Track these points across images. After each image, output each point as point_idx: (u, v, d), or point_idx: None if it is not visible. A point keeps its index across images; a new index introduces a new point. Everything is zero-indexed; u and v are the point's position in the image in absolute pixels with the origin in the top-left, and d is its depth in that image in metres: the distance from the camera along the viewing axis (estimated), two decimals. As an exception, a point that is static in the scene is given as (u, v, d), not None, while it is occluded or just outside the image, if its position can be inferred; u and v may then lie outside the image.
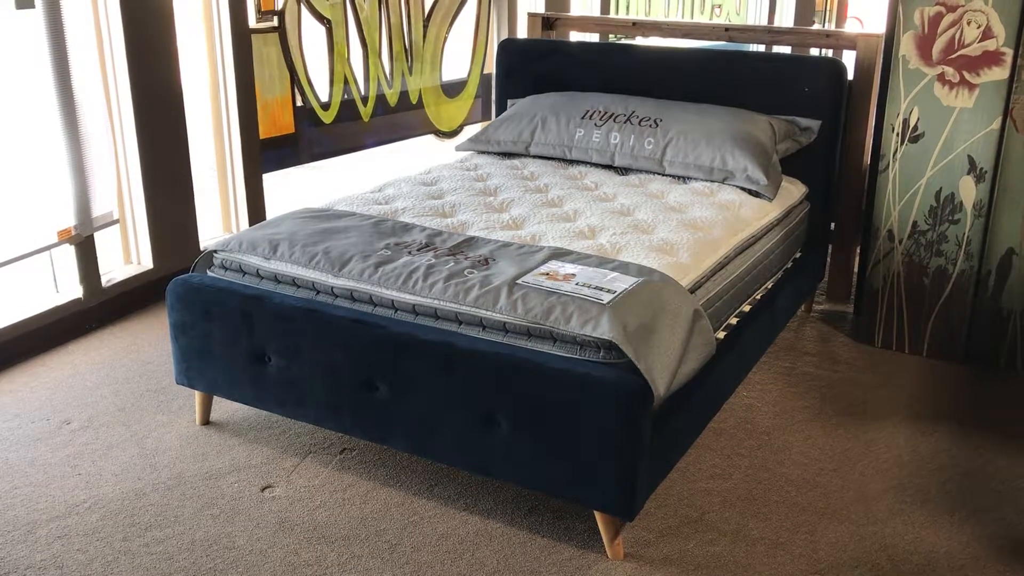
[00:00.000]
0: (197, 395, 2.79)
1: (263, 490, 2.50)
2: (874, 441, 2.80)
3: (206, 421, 2.83)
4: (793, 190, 3.42)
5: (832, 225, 3.81)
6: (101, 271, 3.51)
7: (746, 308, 2.93)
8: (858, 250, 3.84)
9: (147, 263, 3.70)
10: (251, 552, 2.25)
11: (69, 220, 3.33)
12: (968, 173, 3.14)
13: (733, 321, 2.81)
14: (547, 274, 2.36)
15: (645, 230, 2.81)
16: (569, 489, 2.21)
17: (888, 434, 2.84)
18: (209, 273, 2.71)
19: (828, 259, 3.88)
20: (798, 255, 3.50)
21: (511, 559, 2.23)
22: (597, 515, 2.23)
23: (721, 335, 2.68)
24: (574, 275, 2.35)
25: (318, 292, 2.53)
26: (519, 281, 2.31)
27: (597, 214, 2.92)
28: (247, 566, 2.20)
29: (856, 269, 3.87)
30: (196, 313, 2.63)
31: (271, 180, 4.28)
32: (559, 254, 2.50)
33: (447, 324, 2.34)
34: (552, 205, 3.04)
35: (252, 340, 2.55)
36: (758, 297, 3.04)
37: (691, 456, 2.68)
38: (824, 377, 3.21)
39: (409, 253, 2.51)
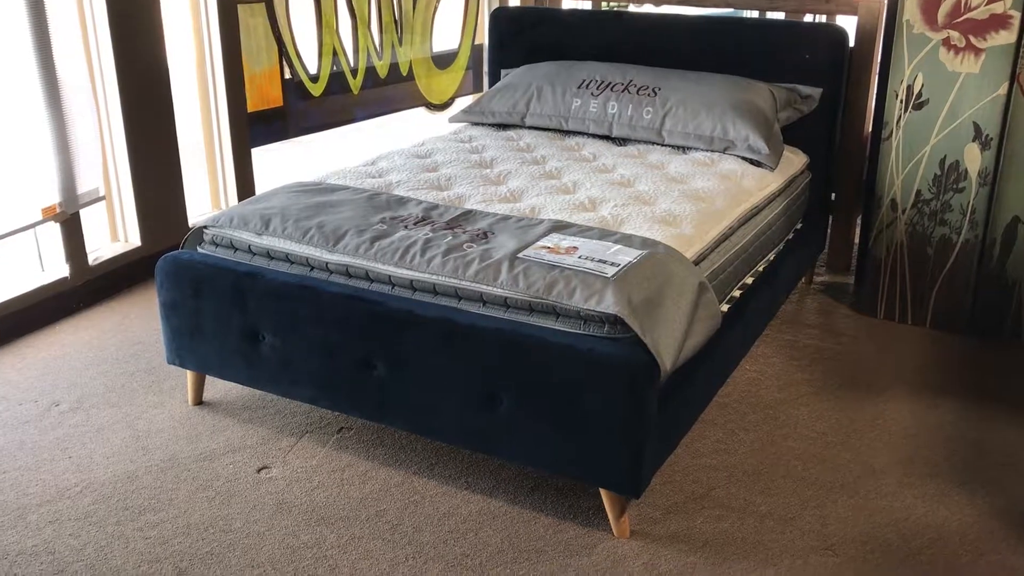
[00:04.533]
0: (189, 375, 2.73)
1: (259, 471, 2.44)
2: (880, 414, 2.75)
3: (199, 401, 2.76)
4: (795, 159, 3.35)
5: (833, 196, 3.75)
6: (88, 249, 3.42)
7: (749, 280, 2.87)
8: (859, 221, 3.79)
9: (135, 241, 3.61)
10: (248, 535, 2.19)
11: (53, 197, 3.24)
12: (973, 140, 3.08)
13: (736, 294, 2.75)
14: (549, 247, 2.30)
15: (647, 201, 2.74)
16: (574, 467, 2.15)
17: (894, 406, 2.80)
18: (199, 250, 2.64)
19: (829, 230, 3.82)
20: (799, 226, 3.44)
21: (515, 538, 2.18)
22: (602, 493, 2.18)
23: (725, 308, 2.62)
24: (576, 248, 2.29)
25: (312, 268, 2.46)
26: (520, 255, 2.25)
27: (597, 186, 2.85)
28: (244, 549, 2.14)
29: (857, 240, 3.82)
30: (186, 291, 2.55)
31: (260, 155, 4.19)
32: (560, 227, 2.43)
33: (446, 300, 2.27)
34: (550, 177, 2.97)
35: (245, 318, 2.48)
36: (761, 269, 2.99)
37: (696, 431, 2.63)
38: (827, 349, 3.16)
39: (405, 227, 2.44)
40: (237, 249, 2.57)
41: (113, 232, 3.65)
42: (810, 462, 2.51)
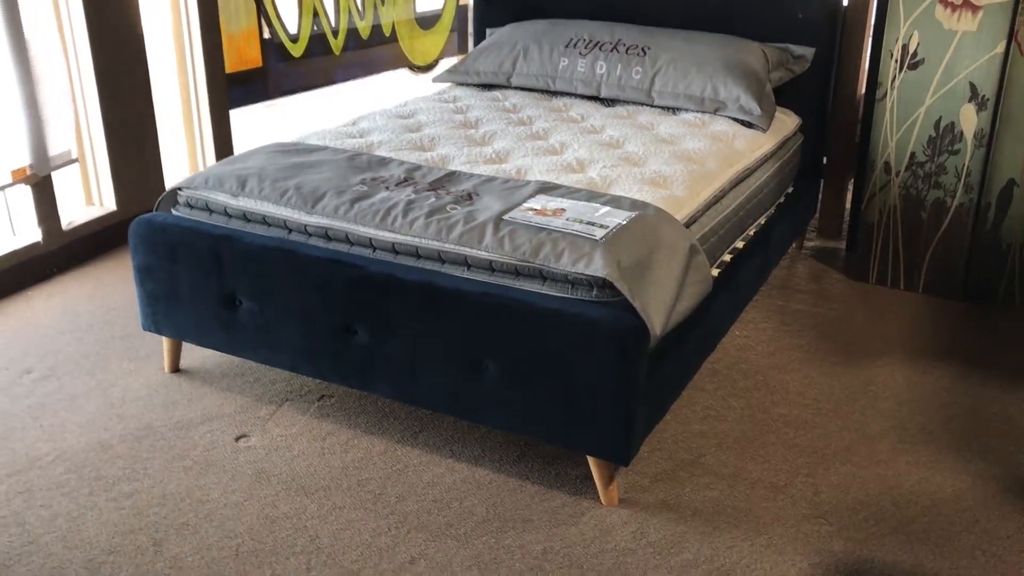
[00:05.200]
0: (165, 341, 2.65)
1: (237, 440, 2.37)
2: (872, 380, 2.71)
3: (176, 369, 2.68)
4: (787, 121, 3.28)
5: (825, 159, 3.68)
6: (62, 214, 3.32)
7: (740, 244, 2.81)
8: (852, 184, 3.73)
9: (110, 205, 3.52)
10: (226, 505, 2.13)
11: (24, 159, 3.13)
12: (969, 101, 3.01)
13: (727, 258, 2.69)
14: (535, 209, 2.22)
15: (636, 163, 2.66)
16: (561, 435, 2.10)
17: (887, 372, 2.75)
18: (174, 212, 2.55)
19: (820, 194, 3.76)
20: (791, 189, 3.37)
21: (500, 507, 2.13)
22: (590, 460, 2.12)
23: (716, 272, 2.56)
24: (564, 210, 2.22)
25: (290, 231, 2.37)
26: (505, 217, 2.17)
27: (585, 147, 2.77)
28: (222, 520, 2.08)
29: (849, 204, 3.76)
30: (161, 255, 2.47)
31: (239, 117, 4.08)
32: (547, 188, 2.36)
33: (429, 263, 2.20)
34: (537, 138, 2.89)
35: (221, 282, 2.40)
36: (751, 233, 2.92)
37: (686, 397, 2.58)
38: (818, 315, 3.11)
39: (387, 188, 2.36)
40: (213, 211, 2.48)
41: (88, 196, 3.54)
42: (801, 429, 2.46)
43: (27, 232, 3.26)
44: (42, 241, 3.24)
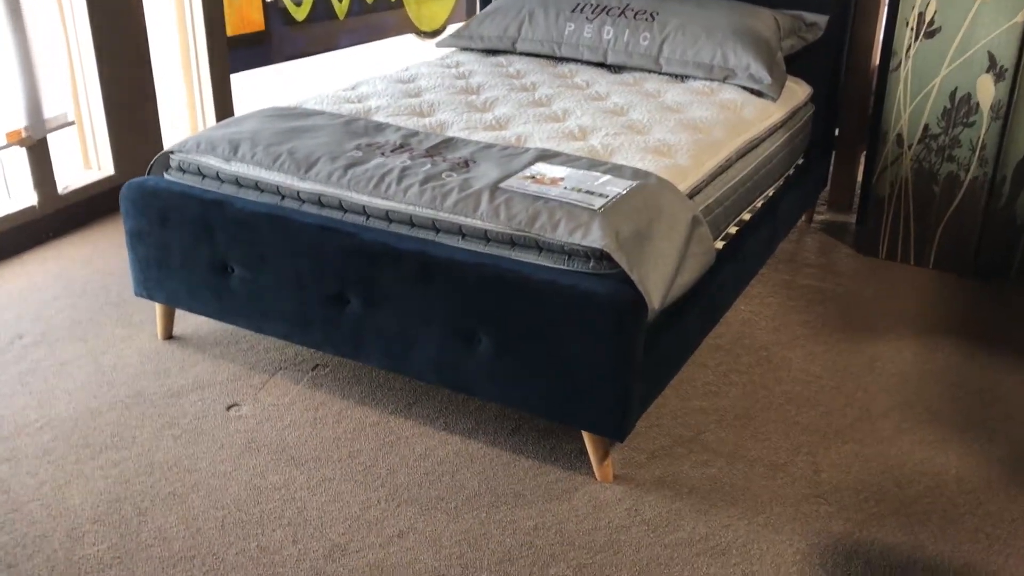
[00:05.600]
0: (158, 308, 2.61)
1: (228, 409, 2.34)
2: (878, 357, 2.65)
3: (168, 336, 2.65)
4: (798, 91, 3.19)
5: (836, 130, 3.60)
6: (58, 177, 3.28)
7: (746, 217, 2.74)
8: (863, 157, 3.64)
9: (108, 168, 3.47)
10: (214, 475, 2.09)
11: (19, 121, 3.08)
12: (987, 71, 2.92)
13: (732, 230, 2.62)
14: (533, 177, 2.16)
15: (640, 131, 2.59)
16: (555, 409, 2.05)
17: (893, 349, 2.69)
18: (166, 177, 2.50)
19: (831, 166, 3.67)
20: (800, 161, 3.29)
21: (493, 481, 2.09)
22: (585, 435, 2.07)
23: (720, 245, 2.49)
24: (562, 179, 2.15)
25: (283, 197, 2.32)
26: (502, 185, 2.11)
27: (589, 114, 2.69)
28: (209, 490, 2.04)
29: (860, 177, 3.68)
30: (152, 220, 2.42)
31: (241, 81, 4.02)
32: (546, 156, 2.29)
33: (423, 232, 2.14)
34: (540, 105, 2.82)
35: (213, 249, 2.35)
36: (759, 205, 2.85)
37: (685, 372, 2.52)
38: (826, 290, 3.04)
39: (382, 154, 2.30)
40: (205, 176, 2.43)
41: (85, 159, 3.50)
42: (803, 406, 2.40)
43: (22, 196, 3.21)
44: (37, 205, 3.20)
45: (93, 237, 3.29)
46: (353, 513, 1.99)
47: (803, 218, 3.56)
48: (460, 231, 2.10)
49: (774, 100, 2.99)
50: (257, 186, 2.35)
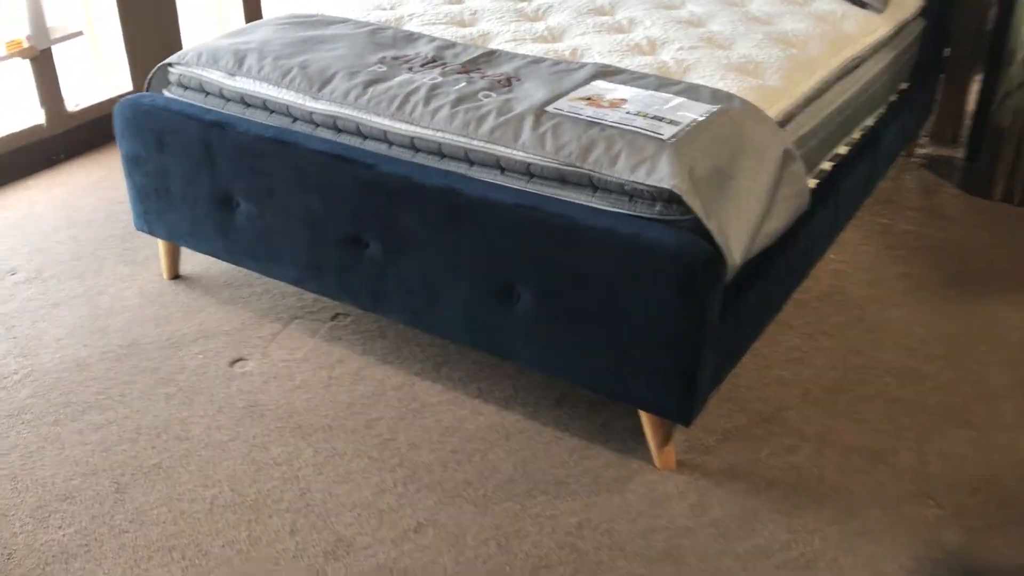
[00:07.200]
0: (161, 244, 2.31)
1: (232, 364, 2.04)
2: (995, 320, 2.23)
3: (175, 275, 2.35)
4: (907, 1, 2.71)
5: (947, 50, 3.10)
6: (68, 94, 2.97)
7: (843, 150, 2.32)
8: (978, 81, 3.14)
9: (124, 84, 3.15)
10: (208, 444, 1.80)
11: (20, 30, 2.77)
12: None
13: (827, 166, 2.21)
14: (588, 99, 1.77)
15: (721, 45, 2.17)
16: (606, 383, 1.70)
17: (1013, 311, 2.26)
18: (165, 93, 2.16)
19: (938, 92, 3.18)
20: (904, 85, 2.82)
21: (531, 464, 1.76)
22: (643, 415, 1.72)
23: (812, 184, 2.09)
24: (625, 100, 1.76)
25: (295, 119, 1.97)
26: (549, 108, 1.73)
27: (659, 24, 2.28)
28: (200, 463, 1.75)
29: (974, 105, 3.18)
30: (149, 143, 2.10)
31: (273, -11, 3.64)
32: (606, 72, 1.90)
33: (454, 164, 1.78)
34: (602, 13, 2.40)
35: (215, 178, 2.02)
36: (857, 137, 2.42)
37: (767, 335, 2.14)
38: (930, 237, 2.60)
39: (409, 69, 1.93)
40: (208, 93, 2.09)
41: (99, 74, 3.18)
42: (907, 379, 2.01)
43: (28, 114, 2.92)
44: (45, 123, 2.91)
45: (107, 160, 2.99)
46: (364, 499, 1.68)
47: (903, 152, 3.09)
48: (498, 164, 1.73)
49: (879, 12, 2.53)
50: (265, 106, 2.00)
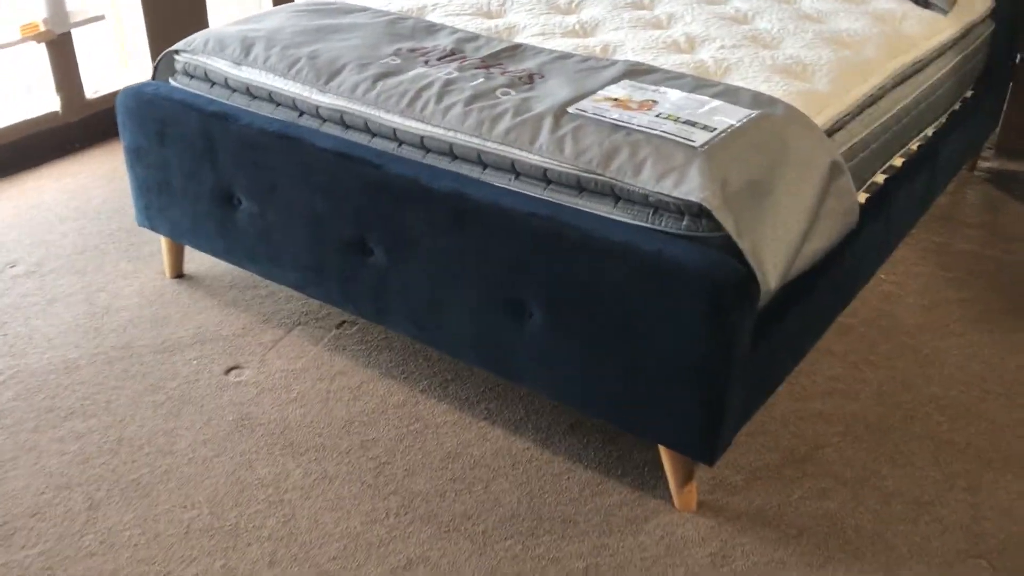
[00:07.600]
0: (163, 241, 2.19)
1: (227, 372, 1.91)
2: (1062, 355, 2.03)
3: (178, 273, 2.23)
4: (976, 2, 2.50)
5: (1019, 56, 2.88)
6: (87, 80, 2.88)
7: (898, 162, 2.13)
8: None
9: (146, 71, 3.05)
10: (191, 460, 1.67)
11: (38, 13, 2.68)
12: None
13: (879, 179, 2.02)
14: (616, 99, 1.61)
15: (767, 44, 2.00)
16: (623, 414, 1.54)
17: (1083, 346, 2.06)
18: (171, 82, 2.05)
19: (1006, 101, 2.96)
20: (969, 93, 2.62)
21: (537, 498, 1.60)
22: (662, 450, 1.56)
23: (863, 198, 1.90)
24: (655, 103, 1.60)
25: (301, 113, 1.84)
26: (572, 109, 1.58)
27: (700, 20, 2.11)
28: (181, 481, 1.63)
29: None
30: (150, 134, 1.98)
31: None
32: (637, 71, 1.73)
33: (466, 166, 1.63)
34: (639, 7, 2.24)
35: (216, 173, 1.90)
36: (914, 148, 2.22)
37: (804, 362, 1.96)
38: (991, 259, 2.40)
39: (425, 63, 1.78)
40: (214, 83, 1.97)
41: (122, 60, 3.09)
42: (960, 420, 1.82)
43: (43, 100, 2.83)
44: (60, 110, 2.82)
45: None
46: (352, 529, 1.54)
47: (965, 166, 2.88)
48: (512, 168, 1.58)
49: (945, 13, 2.33)
50: (271, 98, 1.87)
